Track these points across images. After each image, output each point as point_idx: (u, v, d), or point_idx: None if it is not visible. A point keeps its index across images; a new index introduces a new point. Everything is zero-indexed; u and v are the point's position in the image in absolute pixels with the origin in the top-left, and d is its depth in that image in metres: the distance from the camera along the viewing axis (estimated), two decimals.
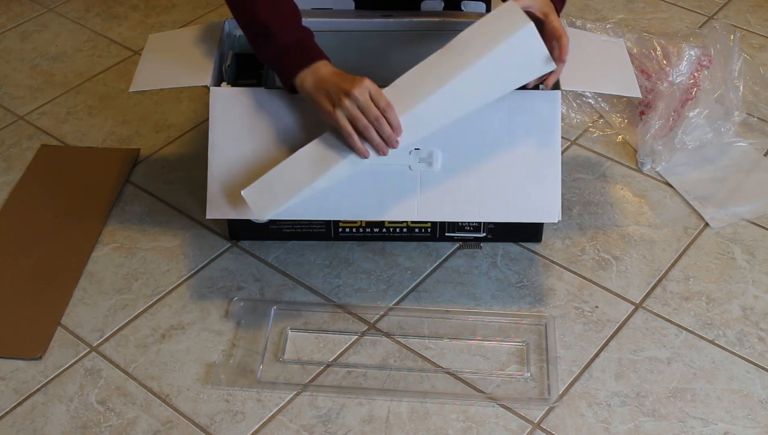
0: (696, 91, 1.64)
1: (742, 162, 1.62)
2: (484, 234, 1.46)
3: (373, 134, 1.24)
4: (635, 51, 1.73)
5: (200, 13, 2.04)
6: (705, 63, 1.68)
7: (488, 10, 1.64)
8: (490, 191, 1.33)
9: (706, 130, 1.61)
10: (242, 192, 1.28)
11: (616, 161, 1.63)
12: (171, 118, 1.74)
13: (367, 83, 1.23)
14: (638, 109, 1.69)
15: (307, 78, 1.26)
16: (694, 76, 1.66)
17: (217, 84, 1.37)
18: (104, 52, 1.93)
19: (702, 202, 1.54)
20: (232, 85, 1.37)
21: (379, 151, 1.25)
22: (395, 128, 1.24)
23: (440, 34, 1.53)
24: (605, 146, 1.67)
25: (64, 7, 2.07)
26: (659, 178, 1.60)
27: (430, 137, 1.30)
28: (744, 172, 1.61)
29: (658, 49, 1.71)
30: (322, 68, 1.26)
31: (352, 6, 1.58)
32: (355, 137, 1.24)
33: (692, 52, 1.67)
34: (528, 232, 1.47)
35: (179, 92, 1.80)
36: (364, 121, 1.23)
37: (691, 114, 1.60)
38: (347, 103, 1.22)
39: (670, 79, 1.65)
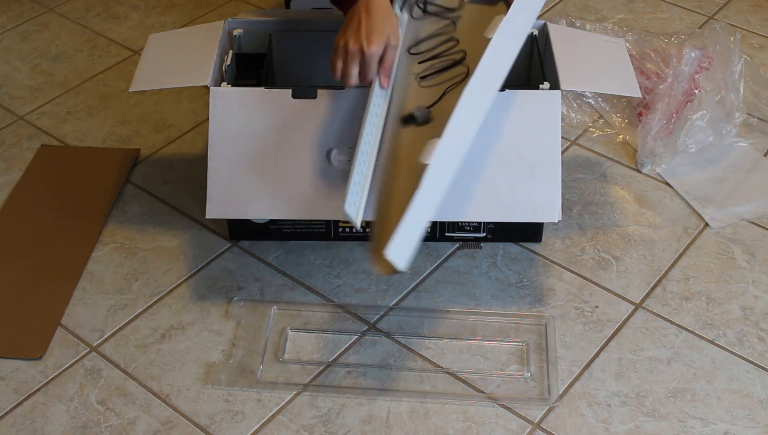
0: (696, 93, 1.64)
1: (741, 162, 1.62)
2: (484, 234, 1.46)
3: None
4: (635, 52, 1.73)
5: (200, 13, 2.04)
6: (705, 65, 1.68)
7: None
8: (490, 191, 1.33)
9: (708, 132, 1.61)
10: (385, 254, 1.12)
11: (616, 161, 1.63)
12: (171, 118, 1.74)
13: (375, 50, 1.25)
14: (636, 111, 1.69)
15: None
16: (694, 78, 1.66)
17: (217, 84, 1.37)
18: (104, 52, 1.93)
19: (702, 203, 1.54)
20: (232, 85, 1.37)
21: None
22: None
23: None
24: (605, 146, 1.67)
25: (64, 7, 2.07)
26: (659, 179, 1.60)
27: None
28: (744, 172, 1.61)
29: (659, 50, 1.71)
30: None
31: None
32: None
33: (693, 54, 1.67)
34: (528, 232, 1.46)
35: (179, 92, 1.80)
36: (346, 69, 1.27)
37: (693, 117, 1.60)
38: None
39: (670, 80, 1.65)
